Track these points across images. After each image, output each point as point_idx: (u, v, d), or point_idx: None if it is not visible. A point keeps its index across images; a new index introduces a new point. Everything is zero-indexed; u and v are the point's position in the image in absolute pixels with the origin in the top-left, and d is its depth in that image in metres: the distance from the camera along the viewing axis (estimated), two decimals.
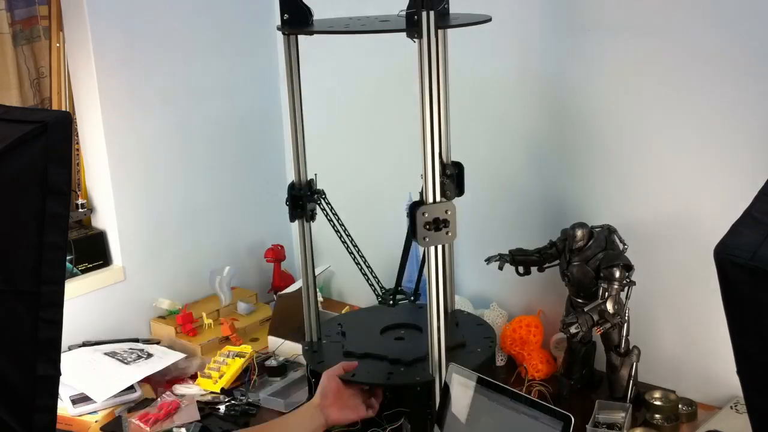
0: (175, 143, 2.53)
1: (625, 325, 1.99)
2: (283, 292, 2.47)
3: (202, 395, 2.16)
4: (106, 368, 2.20)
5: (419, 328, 2.10)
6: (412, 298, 2.12)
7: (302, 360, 2.16)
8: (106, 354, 2.28)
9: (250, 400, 2.11)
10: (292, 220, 2.08)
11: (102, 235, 2.44)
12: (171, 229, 2.56)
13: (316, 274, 2.20)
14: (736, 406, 1.95)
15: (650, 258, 2.05)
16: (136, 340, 2.40)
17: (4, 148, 1.32)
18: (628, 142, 2.07)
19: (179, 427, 2.00)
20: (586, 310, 1.92)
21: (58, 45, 2.39)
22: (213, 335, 2.45)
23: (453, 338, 1.99)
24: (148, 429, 2.00)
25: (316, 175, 2.08)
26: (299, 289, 2.45)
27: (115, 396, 2.11)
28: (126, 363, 2.22)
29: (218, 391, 2.16)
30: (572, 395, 2.06)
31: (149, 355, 2.28)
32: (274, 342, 2.35)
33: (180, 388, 2.18)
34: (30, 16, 2.38)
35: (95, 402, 2.09)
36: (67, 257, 2.25)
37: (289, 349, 2.30)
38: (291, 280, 2.70)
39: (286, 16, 1.92)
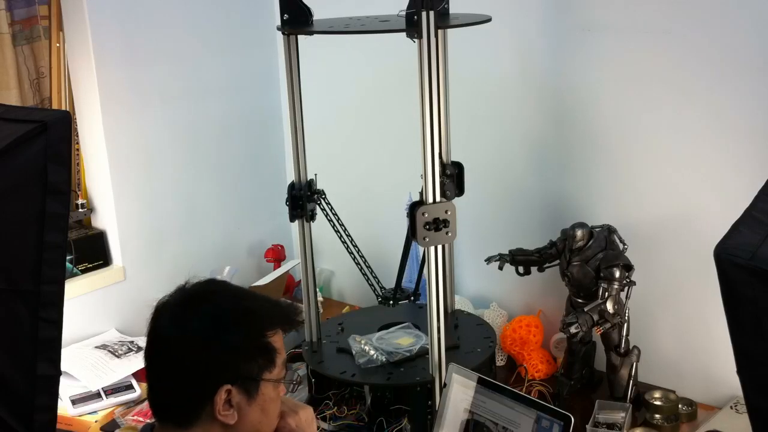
0: (175, 143, 2.53)
1: (625, 325, 1.99)
2: (256, 284, 2.46)
3: None
4: (98, 360, 2.22)
5: (417, 327, 2.10)
6: (412, 298, 2.12)
7: None
8: (96, 347, 2.29)
9: None
10: (292, 220, 2.08)
11: (102, 235, 2.44)
12: (171, 229, 2.56)
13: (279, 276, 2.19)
14: (736, 406, 1.95)
15: (650, 258, 2.05)
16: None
17: (4, 148, 1.33)
18: (628, 142, 2.07)
19: None
20: (586, 310, 1.92)
21: (58, 45, 2.39)
22: None
23: (449, 339, 1.99)
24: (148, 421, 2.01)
25: (316, 175, 2.08)
26: (273, 281, 2.45)
27: (115, 395, 2.11)
28: (117, 356, 2.24)
29: None
30: (572, 395, 2.06)
31: (139, 348, 2.29)
32: None
33: None
34: (30, 16, 2.37)
35: (94, 401, 2.10)
36: (67, 257, 2.25)
37: None
38: (291, 280, 2.70)
39: (286, 16, 1.92)
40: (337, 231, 2.08)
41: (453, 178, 1.94)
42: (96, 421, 2.06)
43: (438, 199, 1.79)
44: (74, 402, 2.09)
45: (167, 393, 1.31)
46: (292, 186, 2.05)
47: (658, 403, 1.98)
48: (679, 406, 1.99)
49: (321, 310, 2.32)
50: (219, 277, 2.55)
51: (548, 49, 2.16)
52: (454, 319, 2.18)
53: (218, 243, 2.68)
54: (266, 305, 1.38)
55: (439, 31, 1.71)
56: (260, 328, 1.32)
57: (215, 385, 1.27)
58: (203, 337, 1.28)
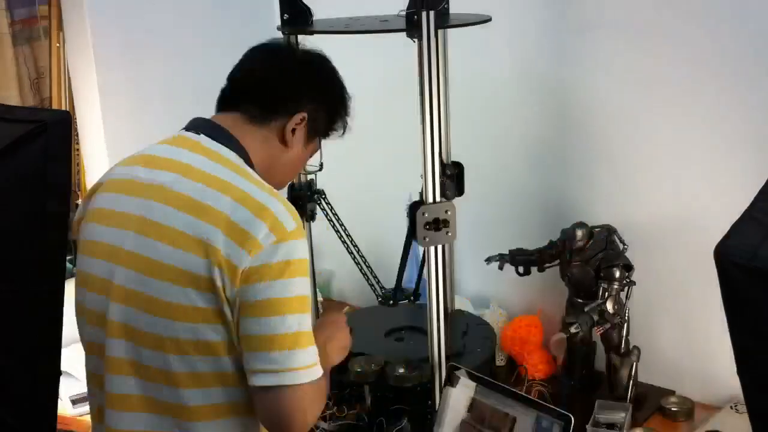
0: None
1: (625, 325, 1.99)
2: None
3: None
4: None
5: (423, 330, 2.09)
6: (411, 298, 2.12)
7: None
8: None
9: None
10: None
11: None
12: None
13: None
14: (736, 406, 1.95)
15: (650, 258, 2.04)
16: None
17: (4, 148, 1.33)
18: (628, 142, 2.07)
19: None
20: (586, 310, 1.92)
21: (58, 45, 2.39)
22: None
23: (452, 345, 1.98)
24: None
25: (316, 175, 2.08)
26: None
27: None
28: None
29: None
30: (572, 395, 2.06)
31: None
32: None
33: None
34: (30, 16, 2.37)
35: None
36: (67, 257, 2.24)
37: None
38: None
39: (286, 16, 1.92)
40: (337, 231, 2.08)
41: (453, 178, 1.94)
42: None
43: (438, 199, 1.79)
44: (74, 402, 2.09)
45: (260, 83, 1.50)
46: (292, 186, 2.05)
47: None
48: (679, 406, 1.99)
49: (321, 311, 2.32)
50: None
51: (548, 49, 2.16)
52: (464, 326, 2.16)
53: None
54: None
55: (439, 31, 1.71)
56: (347, 108, 1.62)
57: (301, 106, 1.45)
58: (320, 68, 1.53)
